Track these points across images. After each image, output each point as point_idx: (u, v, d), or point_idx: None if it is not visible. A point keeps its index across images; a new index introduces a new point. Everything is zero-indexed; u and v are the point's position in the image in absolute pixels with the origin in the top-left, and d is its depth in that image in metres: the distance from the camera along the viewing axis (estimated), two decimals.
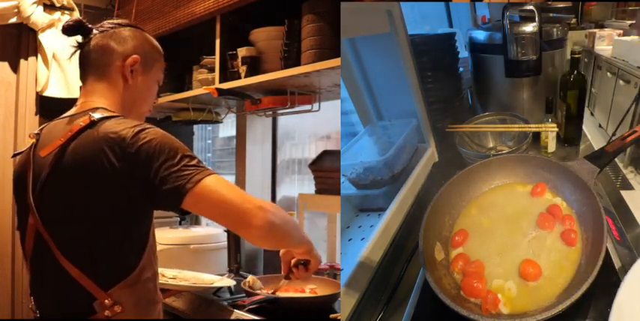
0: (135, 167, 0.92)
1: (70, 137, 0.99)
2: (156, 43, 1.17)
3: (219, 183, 0.93)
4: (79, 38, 1.11)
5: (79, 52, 1.12)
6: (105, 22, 1.13)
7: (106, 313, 0.96)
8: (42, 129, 1.11)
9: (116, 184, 0.94)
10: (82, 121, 1.00)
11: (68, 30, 1.09)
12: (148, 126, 0.98)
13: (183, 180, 0.91)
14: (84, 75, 1.11)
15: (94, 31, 1.11)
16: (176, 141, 0.97)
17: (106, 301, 0.96)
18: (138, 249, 1.00)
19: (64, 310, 1.01)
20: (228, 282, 1.70)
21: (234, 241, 1.89)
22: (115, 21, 1.14)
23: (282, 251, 1.13)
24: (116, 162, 0.92)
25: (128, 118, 1.06)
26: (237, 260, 1.86)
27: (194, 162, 0.94)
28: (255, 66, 1.66)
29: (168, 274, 1.66)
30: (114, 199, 0.95)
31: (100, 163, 0.93)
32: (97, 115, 1.00)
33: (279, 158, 2.38)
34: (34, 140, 1.08)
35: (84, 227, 0.97)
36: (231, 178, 2.49)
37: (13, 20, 2.17)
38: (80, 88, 1.13)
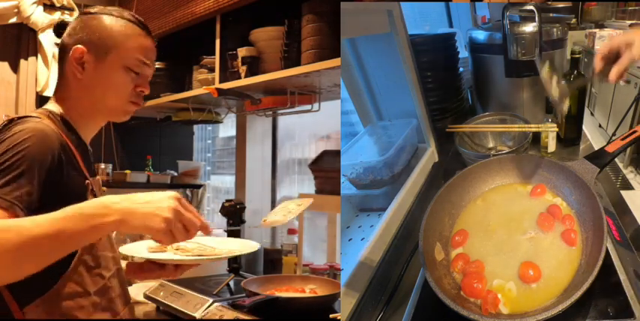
0: None
1: None
2: (117, 26, 1.02)
3: None
4: None
5: None
6: None
7: None
8: None
9: None
10: None
11: (58, 30, 1.07)
12: (19, 128, 0.87)
13: None
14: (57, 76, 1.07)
15: None
16: (14, 155, 0.84)
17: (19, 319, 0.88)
18: (57, 264, 0.81)
19: None
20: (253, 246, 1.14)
21: None
22: (83, 11, 1.06)
23: None
24: None
25: (97, 117, 1.04)
26: (237, 260, 1.86)
27: None
28: (255, 66, 1.66)
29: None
30: None
31: None
32: (14, 119, 0.92)
33: (279, 158, 2.38)
34: None
35: None
36: (231, 178, 2.49)
37: (13, 20, 2.18)
38: None
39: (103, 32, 1.01)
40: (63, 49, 1.03)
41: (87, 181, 0.97)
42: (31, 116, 0.93)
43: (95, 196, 0.98)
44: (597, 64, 1.07)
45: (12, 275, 0.76)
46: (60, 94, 1.04)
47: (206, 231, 0.85)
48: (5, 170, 0.82)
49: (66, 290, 0.91)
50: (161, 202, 0.80)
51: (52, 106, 1.03)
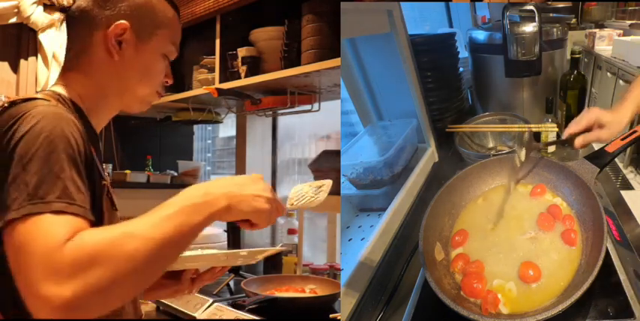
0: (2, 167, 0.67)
1: None
2: (163, 3, 0.89)
3: (40, 229, 0.62)
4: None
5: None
6: None
7: None
8: None
9: None
10: None
11: None
12: (34, 114, 0.69)
13: (9, 203, 0.64)
14: (66, 52, 0.88)
15: None
16: (53, 150, 0.67)
17: None
18: None
19: None
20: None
21: (233, 241, 1.89)
22: None
23: None
24: None
25: (115, 105, 0.89)
26: None
27: (35, 181, 0.64)
28: (255, 66, 1.66)
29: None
30: None
31: None
32: (16, 101, 0.75)
33: (279, 158, 2.38)
34: None
35: None
36: None
37: (13, 20, 2.17)
38: None
39: (151, 9, 0.87)
40: (91, 20, 0.84)
41: (103, 182, 0.81)
42: (37, 98, 0.75)
43: (111, 200, 0.84)
44: (568, 132, 1.13)
45: (140, 287, 0.68)
46: (75, 74, 0.86)
47: (284, 212, 0.81)
48: (54, 167, 0.66)
49: None
50: (255, 183, 0.76)
51: (60, 88, 0.85)
